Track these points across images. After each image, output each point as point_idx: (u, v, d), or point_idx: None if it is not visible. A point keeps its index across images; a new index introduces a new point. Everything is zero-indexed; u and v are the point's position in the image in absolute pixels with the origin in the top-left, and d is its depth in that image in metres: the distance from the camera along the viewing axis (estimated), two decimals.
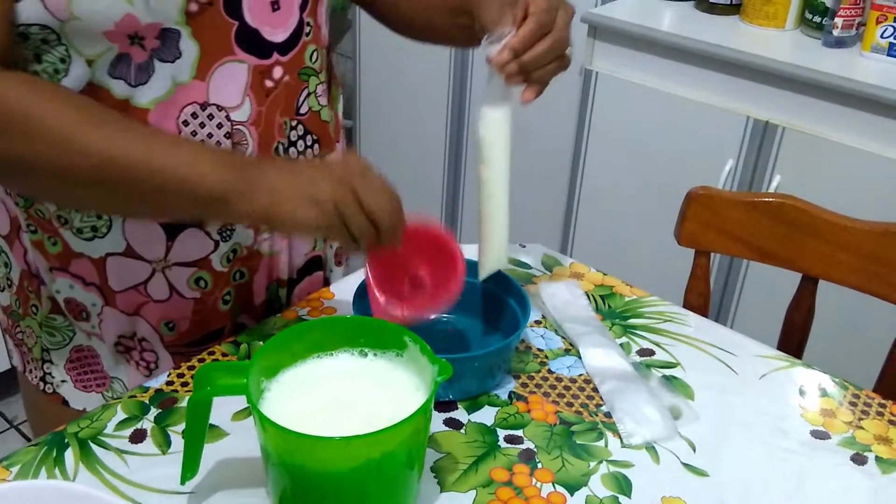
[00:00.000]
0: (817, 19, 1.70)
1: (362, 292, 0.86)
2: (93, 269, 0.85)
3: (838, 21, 1.64)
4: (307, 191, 0.71)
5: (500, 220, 0.82)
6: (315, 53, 0.87)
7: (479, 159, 0.82)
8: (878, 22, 1.60)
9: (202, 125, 0.79)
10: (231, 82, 0.80)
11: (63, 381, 0.94)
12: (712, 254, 1.11)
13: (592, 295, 0.98)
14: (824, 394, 0.86)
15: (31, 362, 0.96)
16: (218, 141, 0.81)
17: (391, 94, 2.34)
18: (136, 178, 0.71)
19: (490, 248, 0.84)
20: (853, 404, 0.85)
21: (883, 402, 0.85)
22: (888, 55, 1.61)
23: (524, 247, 1.07)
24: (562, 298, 0.97)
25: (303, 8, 0.83)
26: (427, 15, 0.93)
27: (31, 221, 0.86)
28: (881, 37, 1.60)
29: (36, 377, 0.96)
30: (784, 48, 1.68)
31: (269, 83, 0.82)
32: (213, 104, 0.79)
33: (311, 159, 0.87)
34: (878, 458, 0.78)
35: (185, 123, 0.79)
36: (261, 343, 0.87)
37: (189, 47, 0.77)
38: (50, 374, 0.95)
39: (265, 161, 0.80)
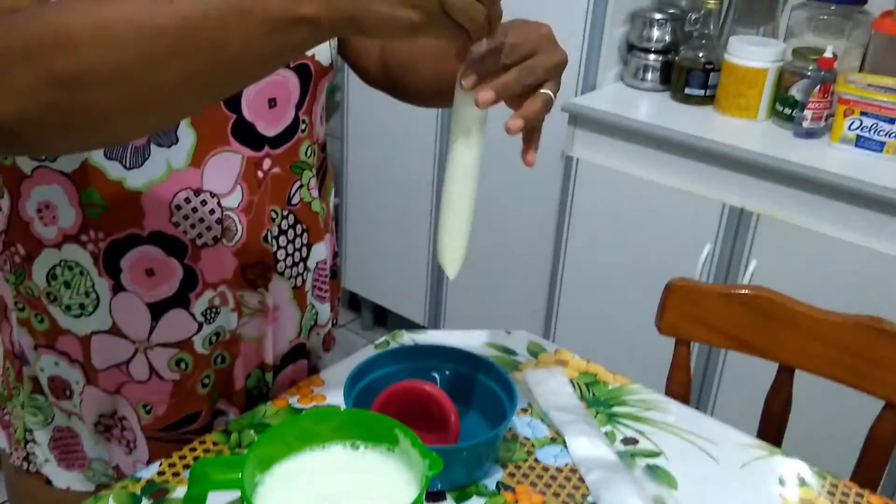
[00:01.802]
0: (788, 111, 1.78)
1: (352, 381, 0.88)
2: (78, 347, 0.87)
3: (808, 113, 1.72)
4: None
5: (461, 211, 0.78)
6: (309, 149, 0.91)
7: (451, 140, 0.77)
8: (845, 115, 1.67)
9: (194, 210, 0.82)
10: (225, 171, 0.83)
11: (46, 461, 0.95)
12: (695, 342, 1.15)
13: (577, 382, 1.01)
14: (803, 483, 0.88)
15: (15, 444, 0.96)
16: (209, 226, 0.83)
17: (378, 174, 2.39)
18: (214, 32, 0.60)
19: (448, 237, 0.79)
20: (831, 494, 0.86)
21: (860, 491, 0.87)
22: (856, 146, 1.68)
23: (510, 333, 1.09)
24: (547, 386, 0.98)
25: (298, 107, 0.87)
26: (449, 64, 0.81)
27: (18, 299, 0.87)
28: (849, 129, 1.68)
29: (19, 458, 0.96)
30: (756, 138, 1.75)
31: (260, 174, 0.86)
32: (207, 191, 0.82)
33: None
34: None
35: (178, 207, 0.81)
36: (251, 432, 0.88)
37: (186, 135, 0.80)
38: (33, 453, 0.95)
39: None
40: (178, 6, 0.58)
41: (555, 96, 0.75)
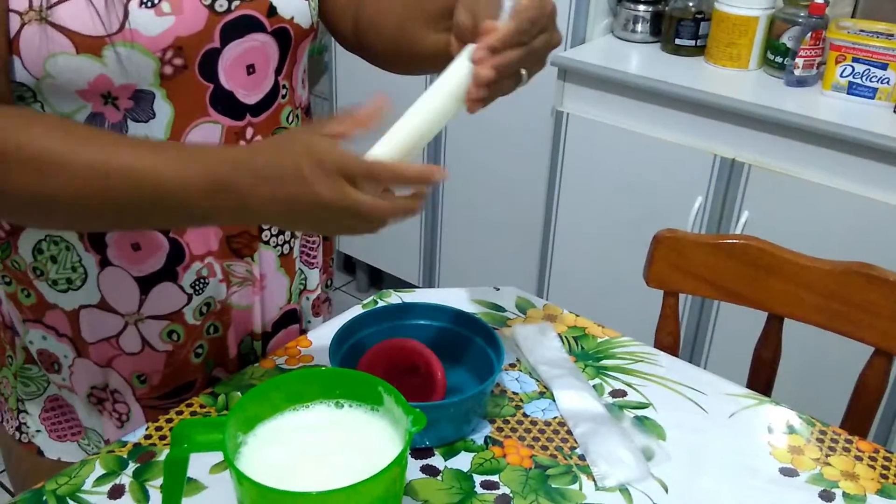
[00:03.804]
0: (779, 60, 1.75)
1: (339, 341, 0.87)
2: (66, 321, 0.86)
3: (799, 61, 1.70)
4: (297, 218, 0.68)
5: (421, 115, 0.72)
6: (291, 114, 0.89)
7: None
8: (837, 62, 1.65)
9: None
10: (205, 142, 0.81)
11: (38, 431, 0.95)
12: (683, 294, 1.14)
13: (565, 337, 1.00)
14: (792, 431, 0.88)
15: (8, 412, 0.97)
16: None
17: (367, 135, 2.37)
18: (131, 192, 0.69)
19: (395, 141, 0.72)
20: (820, 441, 0.87)
21: (849, 438, 0.87)
22: (848, 94, 1.66)
23: (498, 290, 1.09)
24: (535, 341, 0.98)
25: (278, 72, 0.85)
26: (411, 30, 0.84)
27: (5, 273, 0.87)
28: (840, 76, 1.66)
29: (12, 427, 0.96)
30: (748, 88, 1.73)
31: (242, 143, 0.84)
32: None
33: (288, 184, 0.68)
34: (845, 495, 0.80)
35: None
36: (238, 394, 0.88)
37: (163, 109, 0.78)
38: (25, 423, 0.95)
39: (241, 183, 0.68)
40: (111, 185, 0.69)
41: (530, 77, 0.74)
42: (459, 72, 0.71)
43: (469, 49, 0.71)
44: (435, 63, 0.79)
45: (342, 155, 0.66)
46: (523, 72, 0.73)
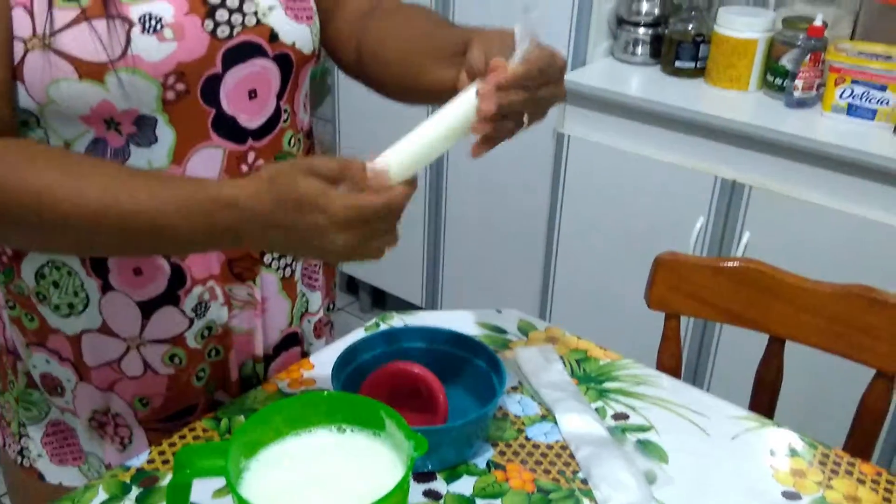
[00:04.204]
0: (778, 81, 1.77)
1: (341, 365, 0.88)
2: (68, 346, 0.87)
3: (798, 83, 1.71)
4: (314, 252, 0.71)
5: (426, 137, 0.74)
6: (293, 138, 0.90)
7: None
8: (836, 84, 1.66)
9: None
10: (207, 166, 0.82)
11: (39, 456, 0.95)
12: (684, 316, 1.14)
13: (567, 359, 1.01)
14: (794, 454, 0.88)
15: (10, 436, 0.97)
16: None
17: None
18: (131, 226, 0.71)
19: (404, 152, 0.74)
20: (823, 464, 0.87)
21: (852, 460, 0.87)
22: (848, 115, 1.67)
23: (500, 312, 1.09)
24: (537, 363, 0.99)
25: (280, 96, 0.86)
26: (417, 63, 0.85)
27: (9, 297, 0.87)
28: (840, 97, 1.67)
29: (14, 451, 0.97)
30: (748, 109, 1.74)
31: (244, 167, 0.85)
32: None
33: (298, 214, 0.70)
34: None
35: None
36: (241, 417, 0.88)
37: (166, 133, 0.79)
38: (27, 448, 0.95)
39: (255, 225, 0.71)
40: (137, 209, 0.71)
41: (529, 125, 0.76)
42: (465, 104, 0.72)
43: (476, 84, 0.72)
44: (440, 97, 0.81)
45: (320, 158, 0.69)
46: (525, 117, 0.75)
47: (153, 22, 0.75)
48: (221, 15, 0.79)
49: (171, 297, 0.85)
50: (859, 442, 1.06)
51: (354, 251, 0.70)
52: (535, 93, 0.73)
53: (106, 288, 0.84)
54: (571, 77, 1.87)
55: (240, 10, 0.80)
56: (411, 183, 0.71)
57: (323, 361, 0.97)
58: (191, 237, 0.71)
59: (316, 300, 1.00)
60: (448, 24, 0.90)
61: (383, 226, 0.70)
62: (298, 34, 0.85)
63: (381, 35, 0.90)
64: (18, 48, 0.72)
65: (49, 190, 0.70)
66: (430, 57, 0.83)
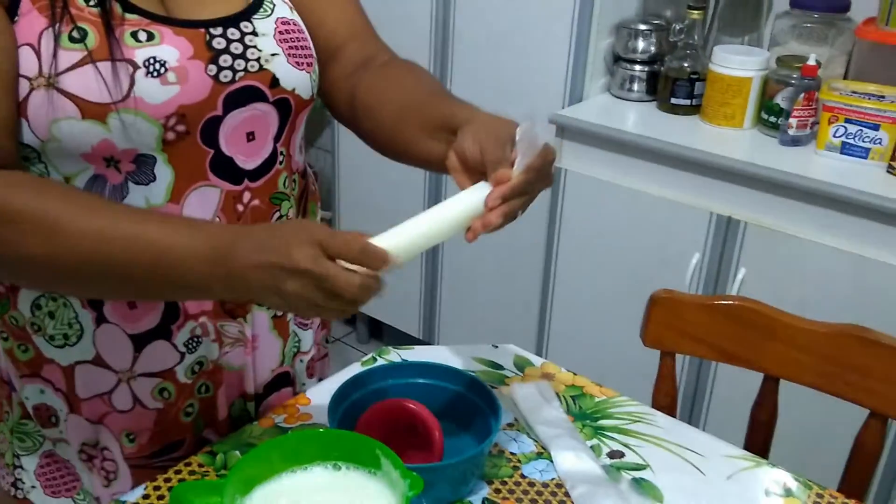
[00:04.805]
0: (773, 119, 1.79)
1: (337, 400, 0.88)
2: (61, 376, 0.87)
3: (793, 121, 1.73)
4: (275, 289, 0.70)
5: (426, 225, 0.78)
6: (288, 180, 0.91)
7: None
8: (830, 122, 1.68)
9: None
10: (203, 205, 0.83)
11: (33, 487, 0.95)
12: (680, 354, 1.15)
13: (563, 396, 1.01)
14: (789, 494, 0.88)
15: (4, 468, 0.97)
16: None
17: (369, 187, 2.39)
18: (132, 258, 0.72)
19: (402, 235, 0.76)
20: None
21: (846, 501, 0.87)
22: (841, 153, 1.69)
23: (496, 347, 1.10)
24: (533, 400, 0.99)
25: (277, 139, 0.87)
26: (408, 131, 0.87)
27: (3, 329, 0.88)
28: (833, 136, 1.69)
29: (7, 483, 0.96)
30: (743, 147, 1.76)
31: (239, 207, 0.86)
32: None
33: (276, 246, 0.72)
34: None
35: None
36: (237, 453, 0.88)
37: (164, 172, 0.80)
38: (21, 479, 0.95)
39: (238, 251, 0.72)
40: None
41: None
42: (471, 206, 0.77)
43: (483, 189, 0.77)
44: (428, 166, 0.86)
45: (322, 229, 0.70)
46: (516, 214, 0.79)
47: (157, 65, 0.76)
48: (225, 60, 0.81)
49: (163, 331, 0.86)
50: (854, 482, 1.05)
51: (318, 311, 0.71)
52: (533, 193, 0.79)
53: (100, 320, 0.84)
54: (568, 112, 1.89)
55: (243, 55, 0.82)
56: (382, 282, 0.73)
57: (319, 396, 0.97)
58: (189, 264, 0.72)
59: (308, 339, 1.01)
60: (441, 91, 0.91)
61: (338, 305, 0.71)
62: (299, 81, 0.86)
63: (376, 92, 0.91)
64: (24, 86, 0.74)
65: (55, 218, 0.72)
66: (421, 129, 0.85)
